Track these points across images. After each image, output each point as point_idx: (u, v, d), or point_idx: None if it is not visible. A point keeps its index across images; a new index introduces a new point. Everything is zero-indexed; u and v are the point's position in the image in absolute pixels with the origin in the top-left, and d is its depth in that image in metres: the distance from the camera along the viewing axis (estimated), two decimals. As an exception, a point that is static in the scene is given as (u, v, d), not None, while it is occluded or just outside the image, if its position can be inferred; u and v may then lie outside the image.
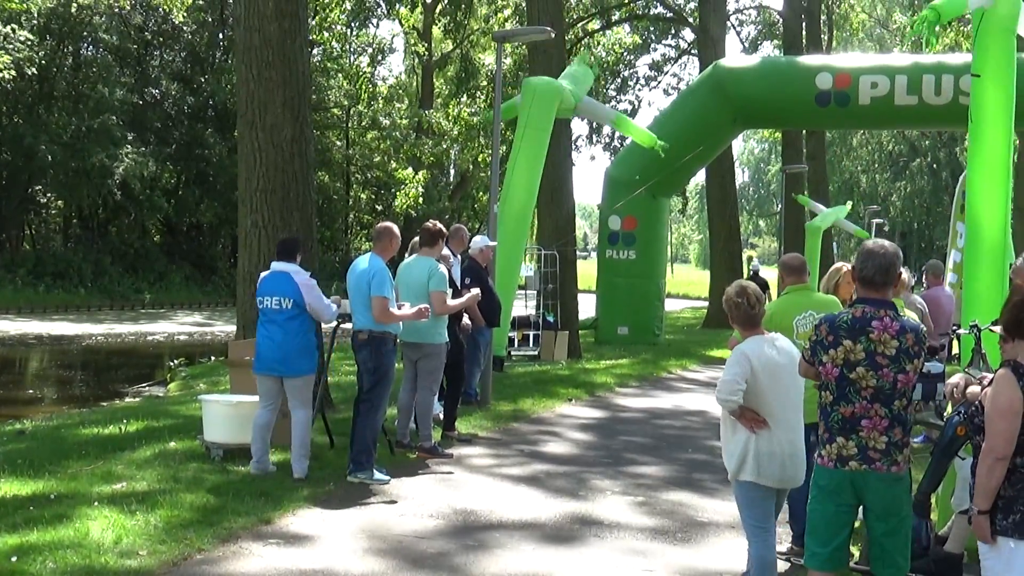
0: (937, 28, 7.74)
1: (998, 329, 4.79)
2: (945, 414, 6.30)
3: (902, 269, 5.08)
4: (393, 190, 43.72)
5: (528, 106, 16.46)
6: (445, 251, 11.12)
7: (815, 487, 4.98)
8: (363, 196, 52.46)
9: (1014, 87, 7.51)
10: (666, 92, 46.87)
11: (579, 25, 37.63)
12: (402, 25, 45.53)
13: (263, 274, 8.88)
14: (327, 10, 35.27)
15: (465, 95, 46.07)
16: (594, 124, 45.70)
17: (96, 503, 7.42)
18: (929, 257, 53.14)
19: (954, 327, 11.22)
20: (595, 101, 20.33)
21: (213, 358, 21.26)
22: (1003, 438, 4.36)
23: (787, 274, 6.99)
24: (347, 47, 42.64)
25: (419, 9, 42.93)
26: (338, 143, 49.04)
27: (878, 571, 4.98)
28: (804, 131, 35.42)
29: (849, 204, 32.95)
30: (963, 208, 16.96)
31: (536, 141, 16.44)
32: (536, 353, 19.22)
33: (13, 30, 35.98)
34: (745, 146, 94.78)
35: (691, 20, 38.64)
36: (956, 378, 5.32)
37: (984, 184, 7.40)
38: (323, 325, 9.10)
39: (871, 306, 4.86)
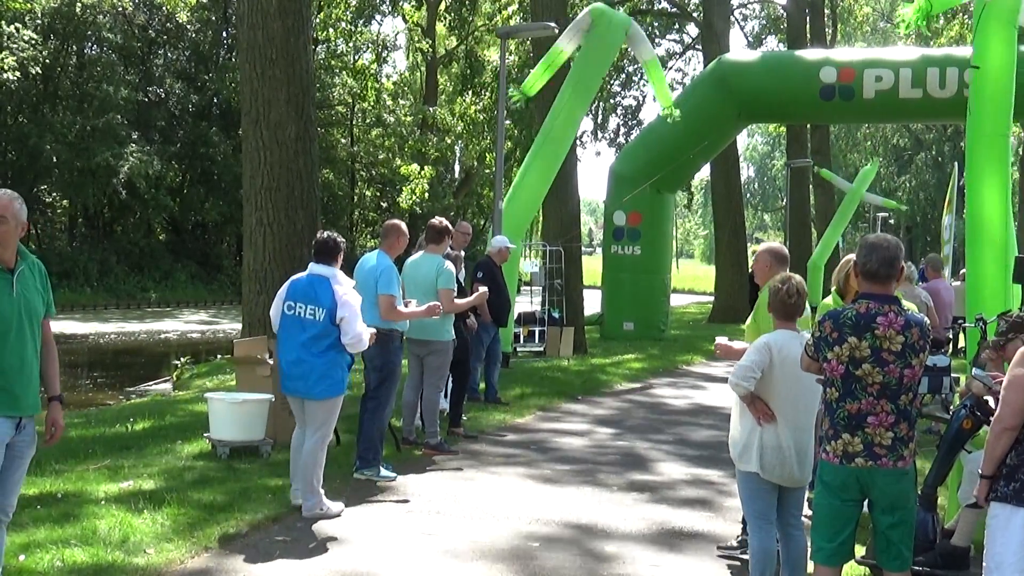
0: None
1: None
2: (951, 408, 6.30)
3: (904, 263, 5.05)
4: (398, 186, 43.72)
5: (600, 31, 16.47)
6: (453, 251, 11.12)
7: (820, 483, 4.97)
8: (368, 193, 52.46)
9: (1014, 79, 7.51)
10: (670, 87, 46.58)
11: (582, 21, 37.55)
12: (406, 22, 45.52)
13: (296, 276, 7.82)
14: (331, 7, 35.30)
15: (470, 92, 46.05)
16: (599, 119, 45.72)
17: (103, 502, 7.44)
18: (935, 251, 52.97)
19: (960, 321, 11.25)
20: (643, 34, 19.76)
21: (219, 356, 21.28)
22: (1011, 409, 4.54)
23: (777, 263, 6.91)
24: (351, 44, 42.61)
25: (423, 6, 42.98)
26: (342, 140, 49.03)
27: (884, 563, 4.97)
28: (808, 125, 35.37)
29: (873, 165, 32.46)
30: (949, 202, 16.99)
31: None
32: (542, 349, 19.21)
33: (17, 29, 36.04)
34: (750, 141, 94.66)
35: (695, 15, 38.58)
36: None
37: (984, 177, 7.39)
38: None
39: (875, 301, 4.83)
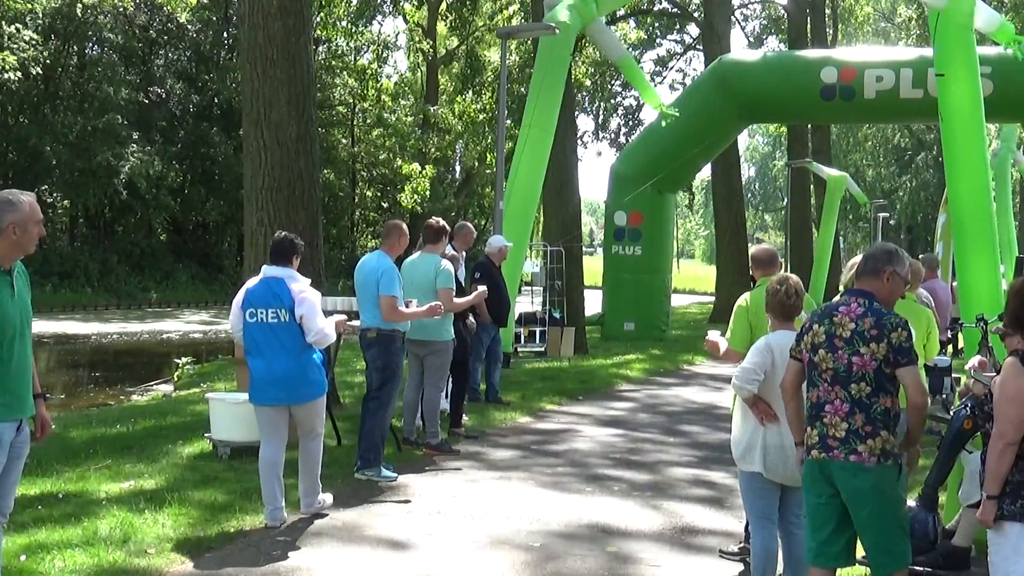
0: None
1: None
2: (952, 408, 6.30)
3: (912, 261, 5.07)
4: (399, 186, 43.74)
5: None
6: (451, 251, 11.13)
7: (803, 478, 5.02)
8: (369, 193, 52.50)
9: (979, 81, 7.53)
10: (672, 87, 46.66)
11: (583, 21, 37.58)
12: (406, 22, 45.53)
13: (249, 283, 7.40)
14: (331, 7, 35.31)
15: (470, 92, 46.05)
16: (600, 119, 45.70)
17: (104, 502, 7.44)
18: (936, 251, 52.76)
19: (958, 321, 11.25)
20: (609, 30, 19.54)
21: (220, 356, 21.30)
22: (1012, 424, 4.45)
23: (756, 267, 6.83)
24: (352, 44, 42.62)
25: (424, 6, 42.96)
26: (343, 140, 49.05)
27: (869, 562, 4.96)
28: (809, 125, 35.38)
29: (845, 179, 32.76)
30: (946, 201, 17.05)
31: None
32: (543, 349, 19.22)
33: (18, 30, 36.04)
34: (750, 141, 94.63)
35: (696, 15, 38.60)
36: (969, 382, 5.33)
37: (965, 179, 7.43)
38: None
39: (849, 295, 4.96)
